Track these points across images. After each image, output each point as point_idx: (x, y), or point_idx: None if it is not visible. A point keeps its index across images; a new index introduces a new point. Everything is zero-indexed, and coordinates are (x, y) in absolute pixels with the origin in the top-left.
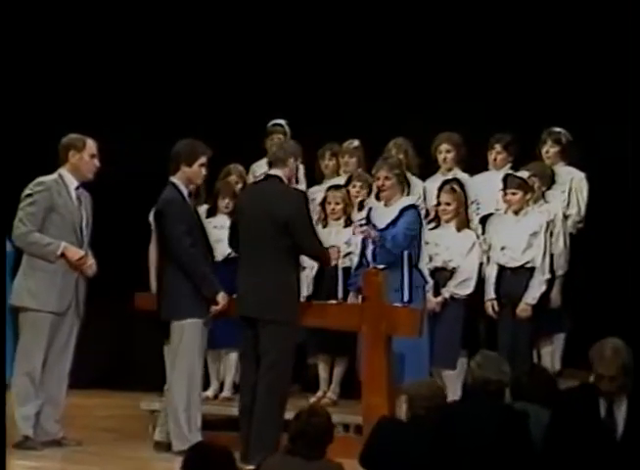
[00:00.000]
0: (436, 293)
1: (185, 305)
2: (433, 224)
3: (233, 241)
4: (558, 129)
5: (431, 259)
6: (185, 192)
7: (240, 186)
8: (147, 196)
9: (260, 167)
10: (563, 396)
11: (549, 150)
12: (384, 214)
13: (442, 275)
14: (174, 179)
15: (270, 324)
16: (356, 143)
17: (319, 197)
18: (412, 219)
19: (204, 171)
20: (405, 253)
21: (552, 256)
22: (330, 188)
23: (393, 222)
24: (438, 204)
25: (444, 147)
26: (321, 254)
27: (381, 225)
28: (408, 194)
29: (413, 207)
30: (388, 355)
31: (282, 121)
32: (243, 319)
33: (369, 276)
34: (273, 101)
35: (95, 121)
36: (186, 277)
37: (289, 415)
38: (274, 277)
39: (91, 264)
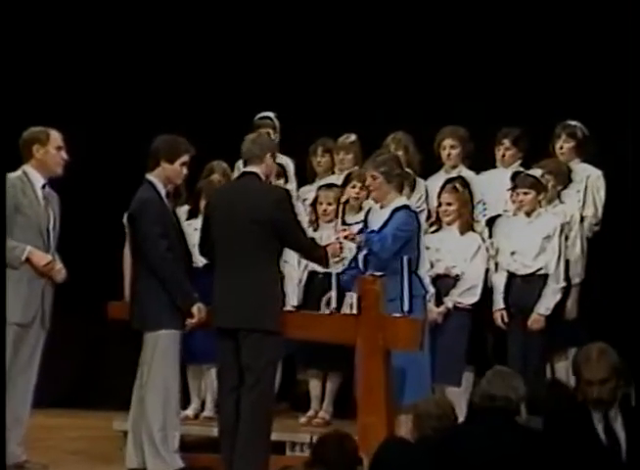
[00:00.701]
0: (438, 302)
1: (160, 315)
2: (434, 227)
3: (204, 246)
4: (573, 123)
5: (432, 266)
6: (162, 191)
7: None
8: (121, 195)
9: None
10: (550, 414)
11: (563, 145)
12: (379, 217)
13: (445, 283)
14: (151, 177)
15: (254, 334)
16: (353, 138)
17: (311, 197)
18: (402, 220)
19: (184, 171)
20: (405, 258)
21: (567, 262)
22: (321, 187)
23: (385, 225)
24: (439, 204)
25: (448, 142)
26: (316, 252)
27: (375, 228)
28: (411, 193)
29: (406, 207)
30: (386, 371)
31: (270, 114)
32: (221, 331)
33: (365, 284)
34: (261, 92)
35: (63, 113)
36: (161, 284)
37: (276, 436)
38: (256, 282)
39: (60, 269)
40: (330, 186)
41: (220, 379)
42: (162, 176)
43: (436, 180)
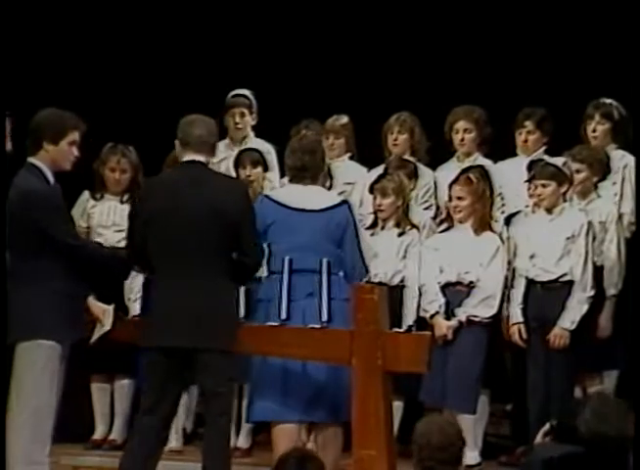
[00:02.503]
0: (449, 315)
1: (40, 321)
2: (445, 225)
3: (135, 251)
4: (608, 101)
5: (441, 271)
6: (51, 179)
7: None
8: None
9: (219, 152)
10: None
11: (596, 128)
12: None
13: (456, 292)
14: (35, 160)
15: (220, 355)
16: (345, 120)
17: None
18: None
19: (74, 152)
20: (324, 259)
21: (601, 268)
22: None
23: None
24: (450, 198)
25: (462, 125)
26: (258, 266)
27: None
28: (411, 183)
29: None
30: (385, 395)
31: (246, 92)
32: (162, 351)
33: (361, 293)
34: (235, 66)
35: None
36: (62, 288)
37: None
38: (217, 292)
39: None
40: None
41: (144, 408)
42: (48, 160)
43: (447, 170)
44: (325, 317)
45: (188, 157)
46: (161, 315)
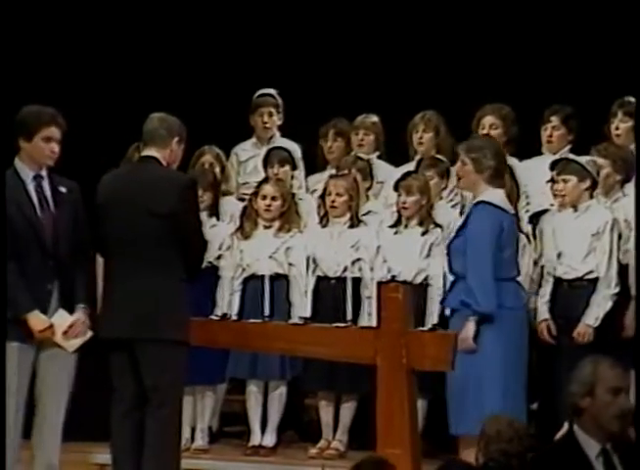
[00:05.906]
0: None
1: (9, 323)
2: None
3: (100, 244)
4: (632, 99)
5: None
6: (29, 175)
7: (217, 170)
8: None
9: (246, 151)
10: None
11: (619, 125)
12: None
13: None
14: (17, 161)
15: (155, 346)
16: (374, 118)
17: (321, 188)
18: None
19: (53, 148)
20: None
21: (625, 267)
22: (334, 176)
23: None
24: None
25: (489, 120)
26: (201, 261)
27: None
28: (442, 182)
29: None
30: (410, 394)
31: (272, 91)
32: (113, 343)
33: (386, 291)
34: (262, 66)
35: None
36: None
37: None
38: (158, 286)
39: None
40: (344, 174)
41: (114, 400)
42: (25, 158)
43: None
44: None
45: (143, 152)
46: (109, 309)
